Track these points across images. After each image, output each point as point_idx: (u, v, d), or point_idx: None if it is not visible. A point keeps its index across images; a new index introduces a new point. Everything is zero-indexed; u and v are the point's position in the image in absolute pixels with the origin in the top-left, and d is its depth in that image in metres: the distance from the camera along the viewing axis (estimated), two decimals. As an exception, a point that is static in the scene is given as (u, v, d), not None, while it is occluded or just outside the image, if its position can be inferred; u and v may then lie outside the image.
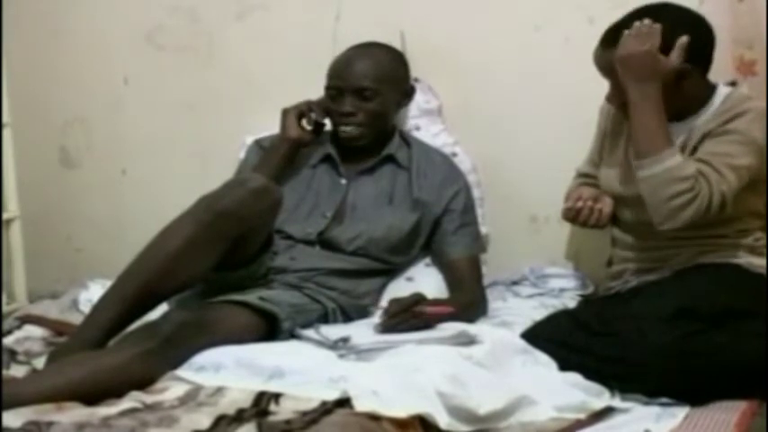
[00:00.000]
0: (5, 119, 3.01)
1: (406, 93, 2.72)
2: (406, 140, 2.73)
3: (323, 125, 2.70)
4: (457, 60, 2.93)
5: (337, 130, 2.65)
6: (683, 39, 2.32)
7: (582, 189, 2.58)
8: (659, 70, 2.31)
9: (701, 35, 2.37)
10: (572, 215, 2.51)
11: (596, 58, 2.43)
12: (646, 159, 2.31)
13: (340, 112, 2.62)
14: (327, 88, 2.65)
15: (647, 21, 2.31)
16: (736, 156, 2.32)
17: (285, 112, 2.67)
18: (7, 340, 2.35)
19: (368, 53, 2.66)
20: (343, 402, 1.88)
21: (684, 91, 2.37)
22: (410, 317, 2.26)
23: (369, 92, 2.60)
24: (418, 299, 2.31)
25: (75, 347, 2.10)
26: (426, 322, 2.27)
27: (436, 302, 2.35)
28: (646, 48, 2.29)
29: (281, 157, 2.64)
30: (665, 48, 2.31)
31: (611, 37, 2.38)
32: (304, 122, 2.68)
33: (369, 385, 1.89)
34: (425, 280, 2.64)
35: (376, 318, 2.35)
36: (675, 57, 2.31)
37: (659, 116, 2.31)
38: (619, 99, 2.42)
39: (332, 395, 1.91)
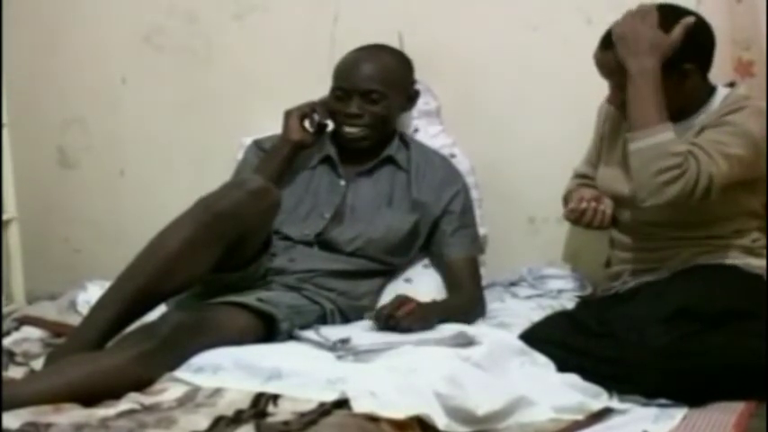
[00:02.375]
0: (4, 119, 3.01)
1: (411, 97, 2.72)
2: (405, 142, 2.73)
3: (325, 126, 2.69)
4: (455, 61, 2.94)
5: (342, 131, 2.65)
6: (689, 18, 2.33)
7: (583, 190, 2.57)
8: (658, 45, 2.31)
9: (701, 35, 2.38)
10: (575, 216, 2.51)
11: (597, 58, 2.43)
12: (639, 132, 2.32)
13: (346, 114, 2.61)
14: (334, 89, 2.64)
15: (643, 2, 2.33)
16: (728, 144, 2.33)
17: (288, 114, 2.67)
18: (5, 341, 2.34)
19: (376, 56, 2.65)
20: (342, 403, 1.88)
21: (685, 91, 2.38)
22: (406, 319, 2.26)
23: (376, 95, 2.59)
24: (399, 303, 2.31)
25: (73, 349, 2.09)
26: (419, 323, 2.27)
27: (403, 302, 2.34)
28: (646, 23, 2.31)
29: (283, 159, 2.63)
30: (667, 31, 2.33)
31: (609, 38, 2.39)
32: (306, 124, 2.67)
33: (367, 386, 1.89)
34: (424, 281, 2.65)
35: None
36: (677, 33, 2.32)
37: (656, 91, 2.31)
38: (619, 99, 2.42)
39: (330, 396, 1.91)
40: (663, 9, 2.37)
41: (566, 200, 2.66)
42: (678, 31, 2.33)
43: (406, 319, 2.26)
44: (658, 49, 2.32)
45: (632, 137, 2.34)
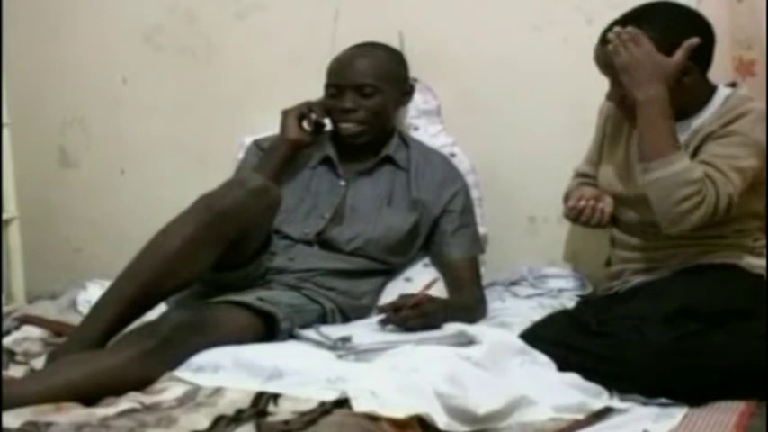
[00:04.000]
0: (5, 119, 3.02)
1: (405, 92, 2.73)
2: (405, 141, 2.74)
3: (323, 126, 2.69)
4: (455, 61, 2.94)
5: (338, 128, 2.66)
6: (693, 40, 2.32)
7: (583, 189, 2.57)
8: (662, 71, 2.31)
9: (700, 33, 2.37)
10: (574, 215, 2.50)
11: (596, 56, 2.43)
12: (653, 162, 2.31)
13: (340, 109, 2.62)
14: (327, 86, 2.65)
15: (628, 28, 2.31)
16: (740, 158, 2.32)
17: (285, 114, 2.67)
18: (6, 341, 2.35)
19: (367, 52, 2.67)
20: (342, 403, 1.88)
21: (685, 89, 2.36)
22: (414, 315, 2.26)
23: (369, 88, 2.60)
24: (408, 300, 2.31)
25: (73, 348, 2.10)
26: (427, 320, 2.27)
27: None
28: (642, 48, 2.30)
29: (281, 159, 2.64)
30: (669, 48, 2.31)
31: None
32: (304, 124, 2.67)
33: (367, 386, 1.89)
34: (424, 280, 2.63)
35: (375, 320, 2.36)
36: (679, 56, 2.31)
37: (666, 118, 2.31)
38: (618, 96, 2.42)
39: (330, 395, 1.91)
40: (661, 17, 2.36)
41: (566, 199, 2.66)
42: (680, 53, 2.31)
43: (413, 320, 2.26)
44: (662, 74, 2.30)
45: (648, 167, 2.32)
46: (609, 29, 2.38)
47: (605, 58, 2.39)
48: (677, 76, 2.32)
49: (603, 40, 2.40)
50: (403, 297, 2.36)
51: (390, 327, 2.28)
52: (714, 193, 2.28)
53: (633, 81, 2.32)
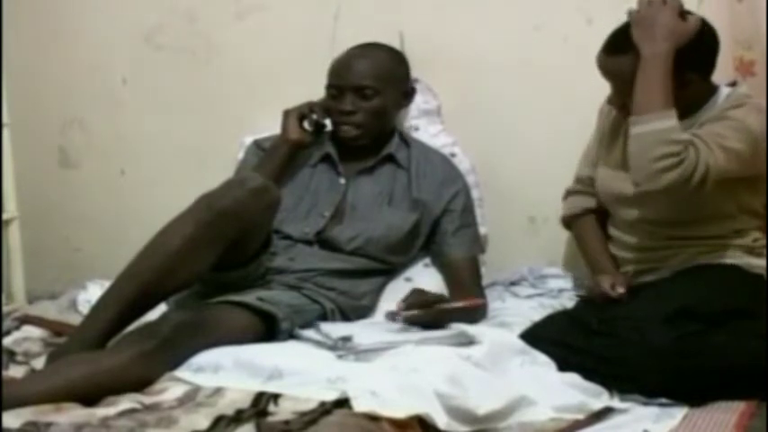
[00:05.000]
0: (5, 119, 3.01)
1: (407, 93, 2.72)
2: (406, 141, 2.74)
3: (324, 126, 2.69)
4: (456, 61, 2.94)
5: (337, 129, 2.66)
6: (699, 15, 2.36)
7: (602, 275, 2.52)
8: (677, 32, 2.32)
9: (704, 41, 2.38)
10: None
11: (600, 63, 2.42)
12: (643, 116, 2.30)
13: (340, 111, 2.62)
14: (328, 87, 2.66)
15: None
16: (727, 138, 2.32)
17: (286, 114, 2.67)
18: (6, 341, 2.35)
19: (368, 53, 2.67)
20: (342, 403, 1.88)
21: (686, 96, 2.37)
22: (436, 314, 2.27)
23: (369, 90, 2.60)
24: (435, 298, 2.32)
25: (74, 348, 2.10)
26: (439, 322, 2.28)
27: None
28: (667, 9, 2.32)
29: (281, 159, 2.64)
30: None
31: (615, 44, 2.38)
32: (305, 124, 2.67)
33: (368, 386, 1.89)
34: (424, 280, 2.64)
35: (378, 317, 2.36)
36: (693, 23, 2.33)
37: (665, 78, 2.31)
38: (620, 102, 2.42)
39: (331, 395, 1.91)
40: None
41: (567, 223, 2.71)
42: (694, 21, 2.33)
43: (421, 318, 2.27)
44: (675, 36, 2.32)
45: (635, 120, 2.32)
46: (612, 39, 2.39)
47: (607, 65, 2.40)
48: (685, 43, 2.32)
49: (607, 49, 2.40)
50: (415, 292, 2.36)
51: (397, 325, 2.29)
52: (694, 159, 2.27)
53: (645, 35, 2.32)
